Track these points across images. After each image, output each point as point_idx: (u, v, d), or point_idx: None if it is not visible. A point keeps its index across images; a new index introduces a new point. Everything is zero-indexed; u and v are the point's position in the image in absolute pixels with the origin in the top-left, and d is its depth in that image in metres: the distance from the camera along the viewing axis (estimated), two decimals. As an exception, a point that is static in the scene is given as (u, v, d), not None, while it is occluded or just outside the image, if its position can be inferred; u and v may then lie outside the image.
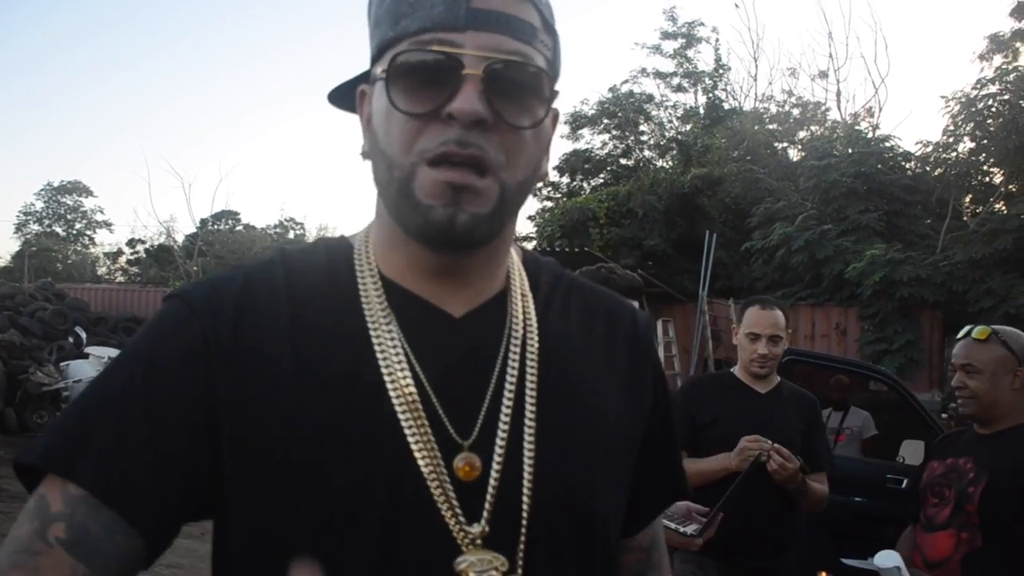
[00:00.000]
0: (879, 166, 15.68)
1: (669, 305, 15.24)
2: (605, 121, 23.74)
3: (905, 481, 5.55)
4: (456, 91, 0.83)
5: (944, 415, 11.47)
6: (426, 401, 0.86)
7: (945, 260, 13.84)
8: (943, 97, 15.95)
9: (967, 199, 16.91)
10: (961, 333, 2.83)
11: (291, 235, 44.51)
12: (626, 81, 23.93)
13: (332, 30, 74.15)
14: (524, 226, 21.66)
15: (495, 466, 0.86)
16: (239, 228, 40.09)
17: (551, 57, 0.91)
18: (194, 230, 35.10)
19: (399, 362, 0.87)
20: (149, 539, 0.83)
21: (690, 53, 23.75)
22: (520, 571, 0.85)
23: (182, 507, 0.85)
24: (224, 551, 0.89)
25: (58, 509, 0.80)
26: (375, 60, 0.91)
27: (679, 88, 23.69)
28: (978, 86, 14.83)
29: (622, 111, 23.13)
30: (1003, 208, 15.21)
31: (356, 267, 0.93)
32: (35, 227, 44.57)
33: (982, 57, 16.98)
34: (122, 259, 40.98)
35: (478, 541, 0.83)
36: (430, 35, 0.84)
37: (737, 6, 38.55)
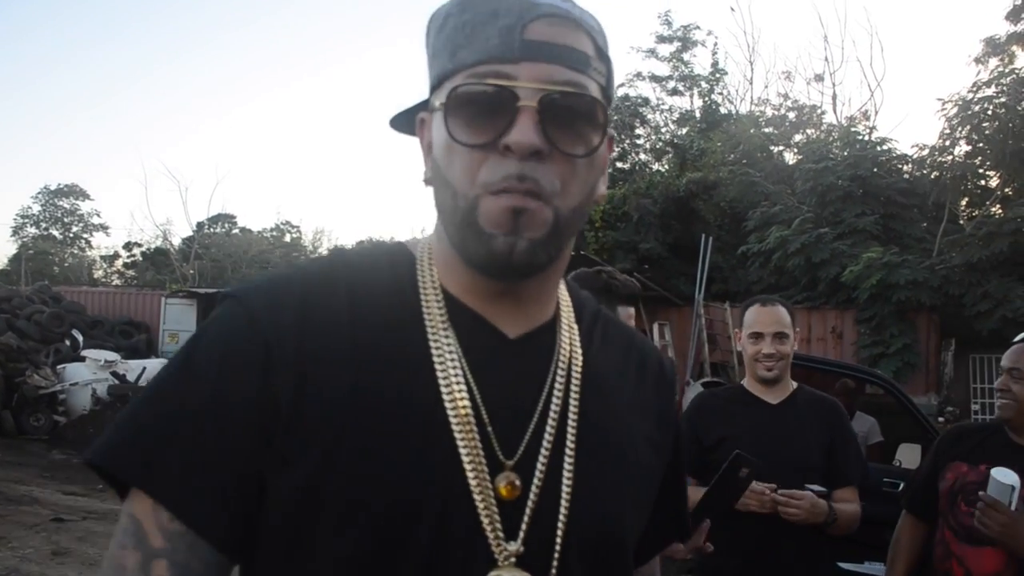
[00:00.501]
0: (875, 169, 15.71)
1: (665, 309, 15.24)
2: (601, 124, 23.75)
3: (902, 485, 5.55)
4: (512, 122, 0.84)
5: (940, 419, 11.49)
6: (478, 418, 0.88)
7: (942, 263, 13.86)
8: (939, 99, 16.00)
9: (963, 202, 16.94)
10: (1018, 338, 2.78)
11: (287, 238, 44.48)
12: (622, 84, 23.96)
13: (331, 31, 74.14)
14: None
15: (535, 487, 0.88)
16: (235, 231, 40.05)
17: (605, 83, 0.92)
18: (190, 233, 35.11)
19: (457, 379, 0.88)
20: (234, 555, 0.87)
21: (686, 57, 23.80)
22: None
23: (251, 515, 0.87)
24: (259, 560, 0.90)
25: (159, 545, 0.83)
26: (434, 90, 0.93)
27: (675, 92, 23.73)
28: (974, 89, 14.86)
29: (618, 114, 23.16)
30: (999, 211, 15.23)
31: (419, 280, 0.95)
32: (32, 230, 44.51)
33: (978, 60, 17.03)
34: (119, 262, 40.94)
35: (512, 559, 0.85)
36: (486, 67, 0.86)
37: (733, 10, 38.68)
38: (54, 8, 70.17)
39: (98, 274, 39.84)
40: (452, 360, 0.89)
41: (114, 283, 35.45)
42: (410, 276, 0.95)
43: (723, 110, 22.80)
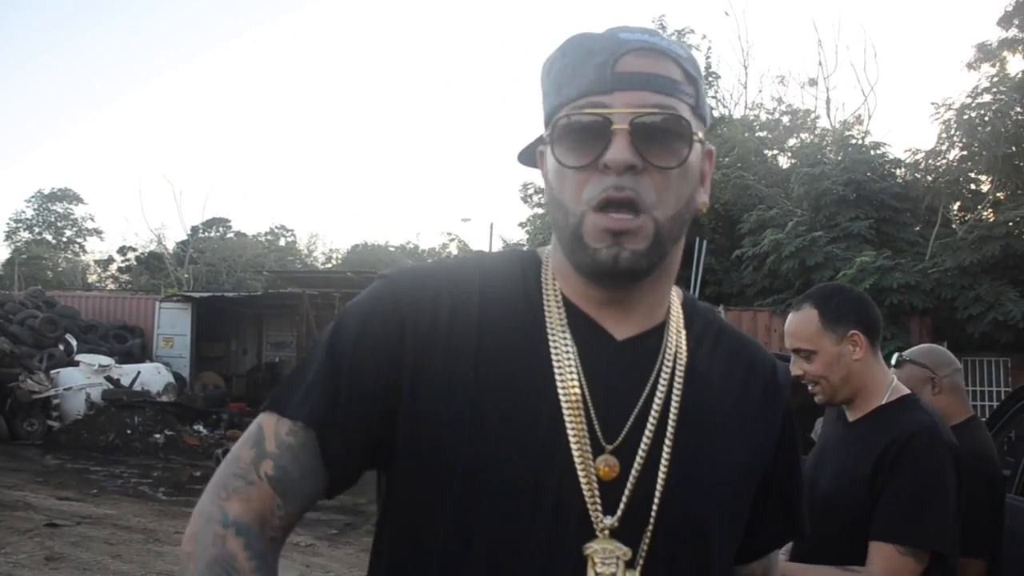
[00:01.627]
0: (869, 174, 15.74)
1: (660, 312, 15.22)
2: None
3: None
4: (608, 144, 0.97)
5: (934, 421, 11.51)
6: (585, 407, 1.00)
7: (934, 267, 13.90)
8: (933, 104, 16.03)
9: (955, 206, 16.98)
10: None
11: (282, 242, 44.42)
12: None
13: (328, 38, 74.07)
14: (515, 232, 21.58)
15: (635, 470, 1.00)
16: (230, 235, 40.00)
17: (695, 104, 1.03)
18: (185, 237, 35.06)
19: (570, 371, 1.01)
20: (333, 480, 1.03)
21: (680, 61, 23.82)
22: (641, 564, 0.99)
23: (364, 459, 1.05)
24: (389, 507, 1.06)
25: (271, 449, 1.01)
26: (546, 125, 1.05)
27: (669, 96, 23.73)
28: (972, 95, 14.90)
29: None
30: (991, 216, 15.28)
31: (543, 285, 1.08)
32: (25, 234, 44.42)
33: (970, 66, 17.08)
34: (113, 267, 40.90)
35: (606, 532, 0.97)
36: (584, 100, 0.99)
37: (727, 14, 38.76)
38: (50, 13, 70.04)
39: (92, 278, 39.76)
40: (567, 355, 1.02)
41: (108, 287, 35.38)
42: (536, 280, 1.09)
43: (717, 114, 22.83)
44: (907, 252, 14.73)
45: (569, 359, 1.02)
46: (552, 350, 1.02)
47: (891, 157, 16.76)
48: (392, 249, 46.69)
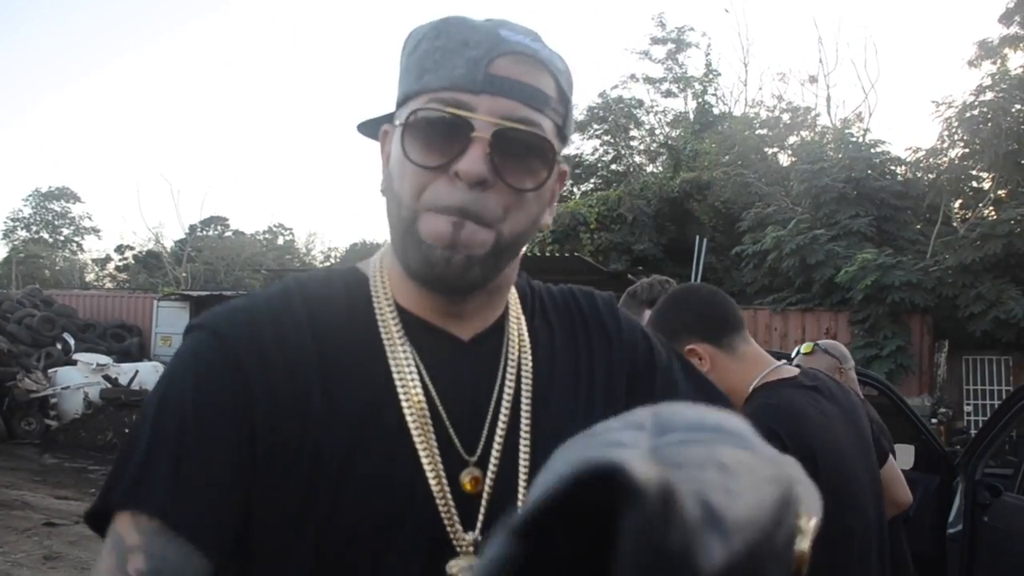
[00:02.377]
0: (869, 171, 15.74)
1: (660, 310, 15.22)
2: (595, 126, 23.79)
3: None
4: (464, 151, 0.89)
5: (934, 420, 11.50)
6: (436, 419, 0.93)
7: (936, 265, 13.89)
8: (934, 102, 16.02)
9: (956, 204, 16.98)
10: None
11: (280, 241, 44.41)
12: (616, 86, 24.03)
13: (324, 35, 74.09)
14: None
15: (489, 480, 0.94)
16: (228, 234, 39.97)
17: (562, 123, 0.97)
18: (183, 236, 35.02)
19: (413, 384, 0.94)
20: (215, 561, 0.88)
21: (680, 58, 23.84)
22: None
23: (238, 528, 0.90)
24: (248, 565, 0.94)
25: (134, 541, 0.85)
26: (399, 106, 0.97)
27: (669, 93, 23.76)
28: (975, 92, 14.88)
29: (612, 116, 23.17)
30: (992, 213, 15.27)
31: (373, 297, 1.00)
32: (23, 233, 44.35)
33: (971, 63, 17.08)
34: (110, 265, 40.81)
35: (470, 548, 0.91)
36: (448, 94, 0.90)
37: (727, 11, 38.76)
38: (47, 12, 70.03)
39: (90, 277, 39.72)
40: (409, 367, 0.94)
41: (106, 286, 35.33)
42: (364, 294, 1.00)
43: (716, 111, 22.82)
44: (908, 250, 14.72)
45: (412, 371, 0.94)
46: (392, 365, 0.94)
47: (892, 155, 16.76)
48: (391, 248, 46.57)
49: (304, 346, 0.93)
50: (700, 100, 23.06)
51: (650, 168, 22.58)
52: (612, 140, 23.59)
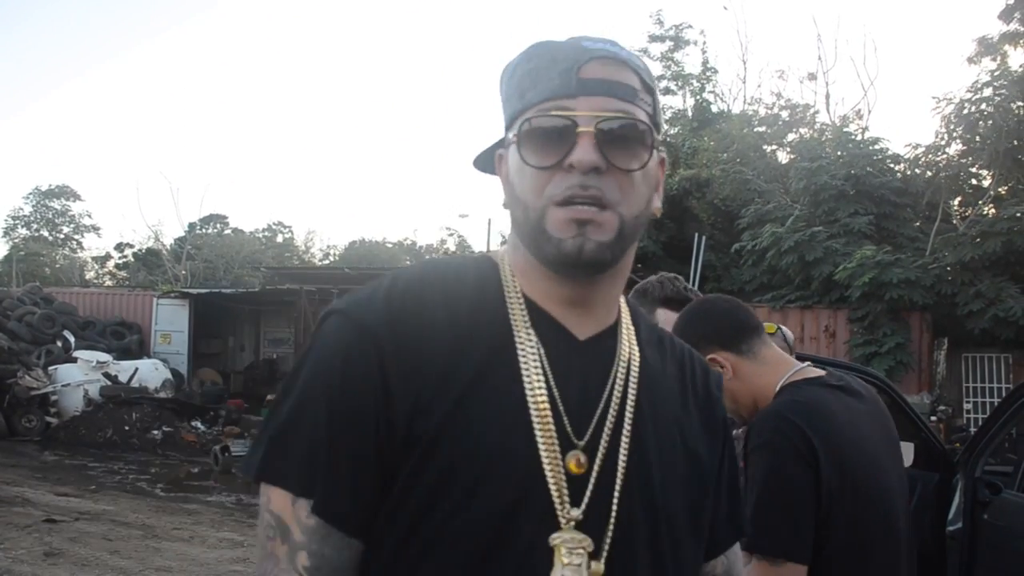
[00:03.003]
0: (868, 169, 15.73)
1: (659, 308, 15.21)
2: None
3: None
4: (574, 146, 1.01)
5: (933, 418, 11.52)
6: (554, 407, 1.03)
7: (935, 263, 13.89)
8: (934, 98, 16.02)
9: (956, 202, 16.97)
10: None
11: (279, 239, 44.38)
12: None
13: (326, 31, 74.05)
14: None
15: (597, 464, 1.04)
16: (227, 232, 39.95)
17: (651, 112, 1.08)
18: (182, 234, 35.00)
19: (537, 373, 1.04)
20: (364, 541, 1.02)
21: (678, 56, 23.81)
22: (605, 554, 1.02)
23: (377, 507, 1.02)
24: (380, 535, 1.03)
25: (300, 539, 0.99)
26: (508, 128, 1.10)
27: (667, 91, 23.72)
28: (973, 89, 14.87)
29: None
30: (991, 211, 15.27)
31: (504, 287, 1.10)
32: (23, 231, 44.34)
33: (971, 60, 17.07)
34: (110, 263, 40.82)
35: (572, 523, 1.00)
36: (550, 103, 1.03)
37: (726, 8, 38.72)
38: (46, 10, 69.95)
39: (89, 275, 39.70)
40: (533, 355, 1.05)
41: (106, 284, 35.30)
42: (495, 283, 1.10)
43: (715, 108, 22.81)
44: (907, 248, 14.72)
45: (536, 361, 1.05)
46: (519, 352, 1.05)
47: (891, 152, 16.76)
48: (390, 245, 46.65)
49: (439, 329, 1.03)
50: (698, 98, 23.05)
51: (649, 165, 22.52)
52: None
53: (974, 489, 4.14)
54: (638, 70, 1.08)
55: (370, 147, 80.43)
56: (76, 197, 45.40)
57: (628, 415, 1.08)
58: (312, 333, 1.08)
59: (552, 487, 1.01)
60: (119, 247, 39.26)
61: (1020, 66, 15.54)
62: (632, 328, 1.17)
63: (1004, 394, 6.13)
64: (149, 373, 16.24)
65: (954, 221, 16.04)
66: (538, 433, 1.01)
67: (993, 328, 13.22)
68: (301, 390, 1.02)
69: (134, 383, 15.50)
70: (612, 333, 1.13)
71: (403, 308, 1.03)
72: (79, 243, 45.30)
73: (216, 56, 76.70)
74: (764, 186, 17.03)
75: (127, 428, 13.75)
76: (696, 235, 14.89)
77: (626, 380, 1.10)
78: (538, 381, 1.03)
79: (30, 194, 44.98)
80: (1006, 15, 16.73)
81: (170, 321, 19.39)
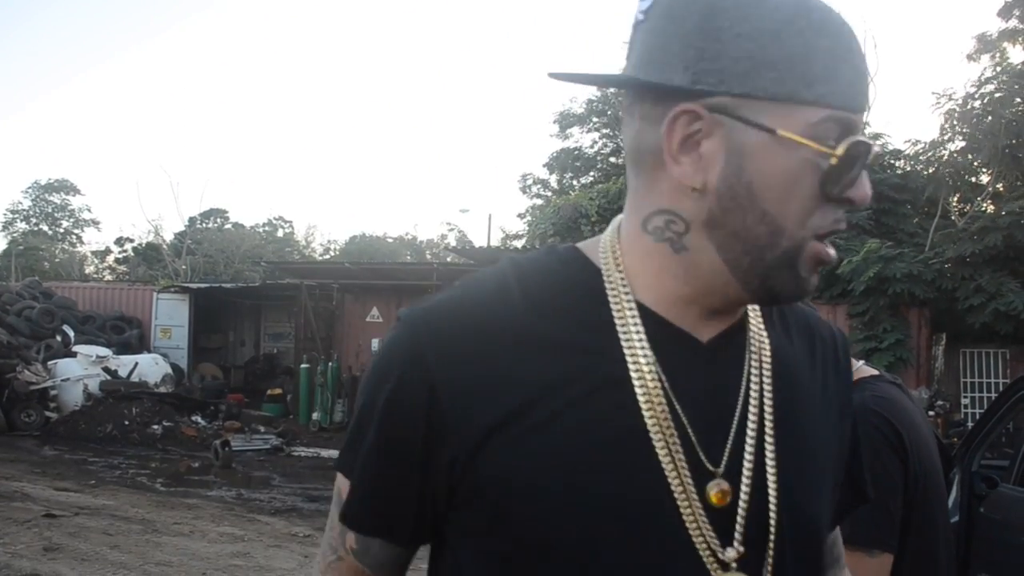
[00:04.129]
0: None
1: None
2: (594, 119, 23.77)
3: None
4: (859, 177, 0.83)
5: (931, 413, 11.54)
6: (680, 429, 0.85)
7: (935, 258, 13.90)
8: (935, 94, 16.01)
9: (955, 198, 16.98)
10: None
11: (280, 233, 44.37)
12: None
13: (327, 26, 73.97)
14: (515, 224, 21.58)
15: (743, 492, 0.87)
16: (227, 227, 39.95)
17: None
18: (182, 228, 35.00)
19: (655, 387, 0.85)
20: (411, 547, 0.95)
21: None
22: None
23: (429, 523, 0.92)
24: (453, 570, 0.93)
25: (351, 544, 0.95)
26: (756, 99, 0.82)
27: (669, 86, 23.70)
28: (976, 85, 14.87)
29: (611, 110, 23.15)
30: (990, 207, 15.28)
31: (610, 293, 0.89)
32: (22, 225, 44.35)
33: (970, 57, 17.06)
34: (110, 258, 40.84)
35: (733, 565, 0.84)
36: (844, 115, 0.81)
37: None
38: (48, 6, 69.88)
39: (89, 269, 39.72)
40: (650, 371, 0.86)
41: (105, 278, 35.34)
42: (596, 288, 0.90)
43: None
44: (906, 243, 14.74)
45: (654, 378, 0.85)
46: (632, 370, 0.85)
47: (891, 148, 16.76)
48: (390, 240, 46.66)
49: (520, 340, 0.86)
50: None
51: (649, 161, 22.53)
52: (611, 133, 23.57)
53: (971, 483, 4.15)
54: None
55: (371, 142, 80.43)
56: (76, 191, 45.45)
57: (768, 426, 0.90)
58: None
59: (692, 528, 0.83)
60: (119, 241, 39.29)
61: (1021, 63, 15.53)
62: (759, 317, 0.97)
63: (1001, 389, 6.15)
64: (149, 368, 16.25)
65: (952, 217, 16.05)
66: (666, 466, 0.83)
67: (993, 322, 13.25)
68: (362, 396, 0.92)
69: (134, 378, 15.52)
70: (740, 327, 0.94)
71: (471, 315, 0.88)
72: (79, 237, 45.37)
73: (217, 51, 76.68)
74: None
75: (127, 423, 13.77)
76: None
77: (760, 382, 0.92)
78: (658, 398, 0.85)
79: (29, 188, 45.06)
80: (1005, 12, 16.71)
81: (170, 316, 19.39)
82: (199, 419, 14.91)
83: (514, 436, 0.83)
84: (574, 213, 18.27)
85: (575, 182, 23.09)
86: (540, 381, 0.84)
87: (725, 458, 0.87)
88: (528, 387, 0.84)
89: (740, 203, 0.83)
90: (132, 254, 37.10)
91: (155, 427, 13.83)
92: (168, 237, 35.13)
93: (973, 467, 4.24)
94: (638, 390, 0.85)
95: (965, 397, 14.02)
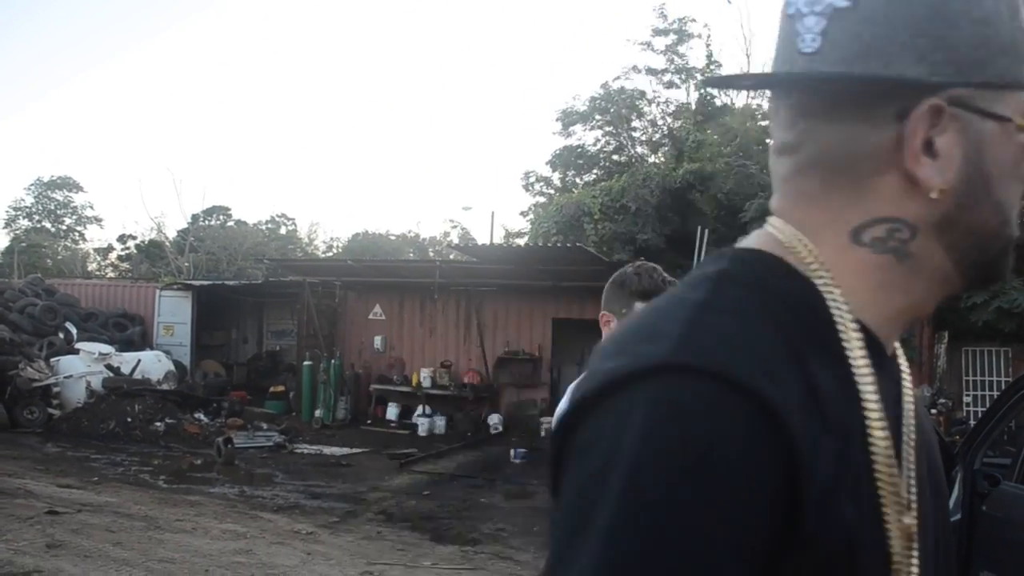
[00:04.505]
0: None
1: (661, 301, 15.23)
2: (597, 117, 23.75)
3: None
4: None
5: (933, 411, 11.53)
6: (898, 456, 0.77)
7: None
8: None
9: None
10: None
11: (282, 231, 44.39)
12: (618, 77, 23.94)
13: (329, 24, 73.97)
14: (518, 221, 21.57)
15: (916, 520, 0.78)
16: (230, 224, 39.97)
17: None
18: (185, 226, 35.04)
19: (879, 419, 0.74)
20: None
21: (681, 49, 23.78)
22: None
23: None
24: None
25: None
26: (995, 91, 0.77)
27: (671, 84, 23.71)
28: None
29: (614, 107, 23.14)
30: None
31: (834, 311, 0.77)
32: (25, 222, 44.38)
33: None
34: (112, 255, 40.87)
35: None
36: None
37: (729, 2, 38.64)
38: (50, 4, 69.89)
39: (92, 267, 39.75)
40: (875, 401, 0.75)
41: (108, 276, 35.37)
42: (811, 304, 0.78)
43: (718, 102, 22.79)
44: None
45: (876, 403, 0.74)
46: (862, 393, 0.74)
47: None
48: (393, 238, 46.65)
49: (794, 378, 0.70)
50: (702, 91, 23.04)
51: (652, 159, 22.55)
52: (614, 131, 23.57)
53: (973, 481, 4.16)
54: None
55: (373, 139, 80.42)
56: (78, 188, 45.47)
57: (910, 443, 0.82)
58: (607, 414, 0.66)
59: (899, 561, 0.74)
60: (122, 239, 39.32)
61: None
62: None
63: (1004, 387, 6.14)
64: (152, 365, 16.27)
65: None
66: (884, 499, 0.73)
67: (996, 320, 13.24)
68: (645, 513, 0.62)
69: (137, 375, 15.54)
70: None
71: (768, 355, 0.70)
72: (81, 234, 45.40)
73: (220, 48, 76.68)
74: (768, 180, 16.97)
75: (130, 420, 13.78)
76: (699, 228, 14.87)
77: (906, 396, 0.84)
78: (881, 432, 0.74)
79: (32, 185, 45.07)
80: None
81: (173, 313, 19.41)
82: (202, 416, 14.92)
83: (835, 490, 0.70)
84: (577, 211, 18.26)
85: (578, 180, 23.07)
86: (821, 422, 0.71)
87: (911, 488, 0.79)
88: (826, 445, 0.70)
89: (978, 198, 0.78)
90: (135, 251, 37.13)
91: (158, 424, 13.85)
92: (171, 234, 35.20)
93: (975, 465, 4.25)
94: (869, 422, 0.74)
95: (967, 395, 14.02)
